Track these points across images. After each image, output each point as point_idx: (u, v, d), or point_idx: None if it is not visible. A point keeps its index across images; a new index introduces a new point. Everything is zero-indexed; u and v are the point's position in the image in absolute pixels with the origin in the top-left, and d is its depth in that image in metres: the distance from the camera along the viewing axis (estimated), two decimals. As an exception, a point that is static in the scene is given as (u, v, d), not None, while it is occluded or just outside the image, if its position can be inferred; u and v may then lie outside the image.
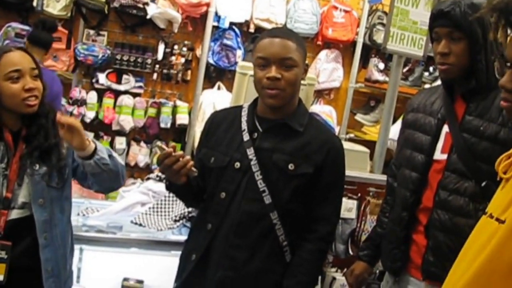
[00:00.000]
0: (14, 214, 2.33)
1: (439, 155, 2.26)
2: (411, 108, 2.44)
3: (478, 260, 1.34)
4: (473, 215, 2.15)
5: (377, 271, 2.76)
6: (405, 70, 5.81)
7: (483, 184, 2.15)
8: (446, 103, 2.28)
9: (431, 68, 5.98)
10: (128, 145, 5.61)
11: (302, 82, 2.34)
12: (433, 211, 2.23)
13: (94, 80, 5.45)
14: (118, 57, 5.42)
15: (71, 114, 5.20)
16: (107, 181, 2.41)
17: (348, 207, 3.26)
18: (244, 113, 2.33)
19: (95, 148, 2.31)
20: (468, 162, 2.18)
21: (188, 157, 2.14)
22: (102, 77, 5.43)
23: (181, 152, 2.14)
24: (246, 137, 2.27)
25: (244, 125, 2.29)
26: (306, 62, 2.30)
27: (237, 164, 2.25)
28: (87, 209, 3.28)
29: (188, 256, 2.35)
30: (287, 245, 2.26)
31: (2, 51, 2.28)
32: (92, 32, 5.40)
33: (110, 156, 2.37)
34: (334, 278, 3.32)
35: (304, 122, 2.29)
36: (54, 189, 2.38)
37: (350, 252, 3.35)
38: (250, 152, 2.24)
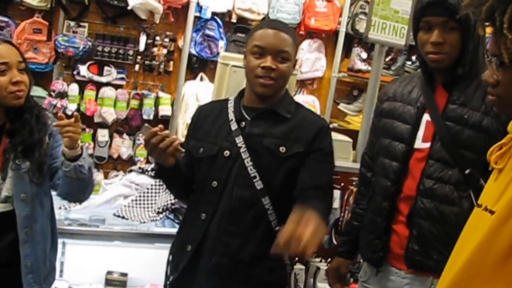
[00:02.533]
0: None
1: (420, 143, 2.27)
2: (386, 97, 2.44)
3: (468, 251, 1.34)
4: (458, 202, 2.19)
5: (361, 261, 2.76)
6: (387, 59, 5.82)
7: (467, 171, 2.17)
8: (426, 92, 2.29)
9: (413, 57, 5.98)
10: (111, 137, 5.57)
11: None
12: (416, 200, 2.24)
13: (75, 72, 5.39)
14: (100, 48, 5.36)
15: (54, 106, 5.15)
16: (75, 189, 2.42)
17: (332, 196, 3.26)
18: (231, 104, 2.36)
19: (80, 155, 2.32)
20: (452, 150, 2.19)
21: (174, 136, 2.15)
22: (83, 69, 5.37)
23: (167, 131, 2.14)
24: (234, 126, 2.29)
25: (231, 115, 2.32)
26: (296, 57, 2.34)
27: (227, 153, 2.27)
28: (69, 203, 3.26)
29: (183, 248, 2.35)
30: (279, 230, 2.25)
31: None
32: (72, 23, 5.33)
33: (89, 168, 2.38)
34: (318, 268, 3.33)
35: (291, 109, 2.33)
36: (35, 184, 2.36)
37: (334, 241, 3.36)
38: (239, 140, 2.26)
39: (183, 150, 2.18)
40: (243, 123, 2.30)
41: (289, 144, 2.25)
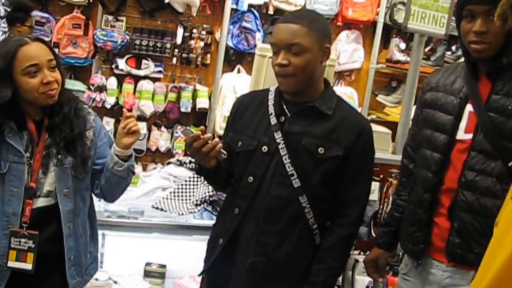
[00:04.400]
0: (40, 202, 2.35)
1: (463, 135, 2.22)
2: (429, 87, 2.39)
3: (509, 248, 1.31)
4: (500, 195, 2.10)
5: (401, 253, 2.73)
6: (426, 49, 5.71)
7: (510, 164, 2.11)
8: (469, 82, 2.24)
9: (453, 47, 5.88)
10: (149, 130, 5.61)
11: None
12: (458, 192, 2.19)
13: (113, 66, 5.46)
14: (137, 42, 5.41)
15: (93, 100, 5.22)
16: (120, 188, 2.48)
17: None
18: (271, 96, 2.30)
19: (131, 154, 2.38)
20: (495, 141, 2.14)
21: (216, 139, 2.13)
22: (121, 63, 5.43)
23: (209, 135, 2.13)
24: (273, 120, 2.24)
25: (271, 109, 2.27)
26: (327, 45, 2.22)
27: (265, 148, 2.23)
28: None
29: (215, 241, 2.35)
30: (316, 228, 2.25)
31: (18, 45, 2.24)
32: (110, 17, 5.39)
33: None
34: (356, 261, 3.30)
35: (333, 105, 2.26)
36: (78, 179, 2.39)
37: (373, 234, 3.33)
38: (278, 135, 2.21)
39: (225, 152, 2.18)
40: (283, 118, 2.25)
41: (328, 145, 2.20)
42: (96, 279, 3.31)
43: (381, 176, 3.35)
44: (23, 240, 2.31)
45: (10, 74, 2.23)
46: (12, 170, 2.29)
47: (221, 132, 5.43)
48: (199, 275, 2.44)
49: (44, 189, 2.35)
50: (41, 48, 2.29)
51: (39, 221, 2.34)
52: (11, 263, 2.32)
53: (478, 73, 2.23)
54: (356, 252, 3.37)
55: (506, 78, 2.16)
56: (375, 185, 3.26)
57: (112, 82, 5.40)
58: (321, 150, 2.19)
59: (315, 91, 2.25)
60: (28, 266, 2.33)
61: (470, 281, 2.17)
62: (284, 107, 2.27)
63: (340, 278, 3.34)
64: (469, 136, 2.20)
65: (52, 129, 2.34)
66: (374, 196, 3.27)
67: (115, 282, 3.38)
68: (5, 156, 2.28)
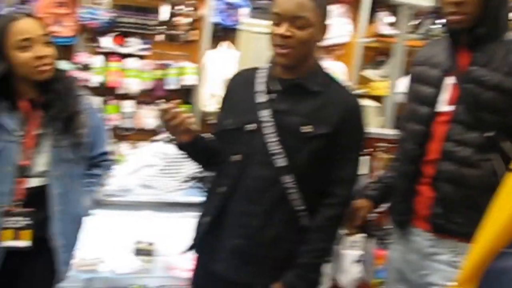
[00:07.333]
0: (34, 182, 2.34)
1: (444, 106, 2.24)
2: (416, 61, 2.42)
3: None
4: (479, 165, 2.16)
5: (389, 227, 2.74)
6: (414, 22, 5.69)
7: (488, 134, 2.14)
8: (450, 54, 2.25)
9: (440, 20, 5.85)
10: (136, 108, 5.57)
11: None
12: (439, 163, 2.22)
13: (99, 44, 5.39)
14: (122, 19, 5.34)
15: (78, 79, 5.17)
16: None
17: (359, 163, 3.24)
18: (259, 74, 2.27)
19: None
20: (473, 112, 2.16)
21: (188, 114, 2.10)
22: (107, 41, 5.36)
23: (179, 109, 2.10)
24: (260, 99, 2.21)
25: (258, 87, 2.24)
26: (327, 22, 2.19)
27: (250, 126, 2.20)
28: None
29: (202, 219, 2.34)
30: (302, 211, 2.21)
31: (9, 20, 2.25)
32: (95, -5, 5.32)
33: None
34: (344, 235, 3.30)
35: (321, 82, 2.22)
36: (72, 163, 2.38)
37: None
38: (264, 113, 2.18)
39: (197, 128, 2.15)
40: (270, 95, 2.22)
41: (315, 123, 2.16)
42: (84, 258, 3.31)
43: (370, 150, 3.34)
44: (18, 218, 2.30)
45: (2, 49, 2.23)
46: (4, 149, 2.28)
47: (207, 109, 5.41)
48: (184, 252, 2.43)
49: (37, 169, 2.33)
50: (33, 23, 2.28)
51: (32, 201, 2.32)
52: (6, 243, 2.31)
53: (458, 45, 2.23)
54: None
55: (485, 48, 2.16)
56: (363, 159, 3.26)
57: (97, 61, 5.34)
58: (307, 128, 2.16)
59: (305, 68, 2.22)
60: (25, 243, 2.32)
61: (451, 249, 2.21)
62: (272, 84, 2.23)
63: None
64: (450, 107, 2.22)
65: (46, 107, 2.33)
66: (363, 170, 3.26)
67: (103, 261, 3.39)
68: None
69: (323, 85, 2.22)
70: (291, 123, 2.17)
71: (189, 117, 2.10)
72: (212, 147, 2.31)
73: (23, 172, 2.31)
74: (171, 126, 2.10)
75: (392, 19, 5.76)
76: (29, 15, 2.36)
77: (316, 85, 2.21)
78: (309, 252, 2.22)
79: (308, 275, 2.23)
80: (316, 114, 2.18)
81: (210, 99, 5.39)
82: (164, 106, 2.08)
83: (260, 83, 2.25)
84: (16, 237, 2.32)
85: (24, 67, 2.24)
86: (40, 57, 2.25)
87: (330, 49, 5.94)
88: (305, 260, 2.22)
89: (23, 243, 2.33)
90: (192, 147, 2.23)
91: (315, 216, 2.23)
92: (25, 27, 2.25)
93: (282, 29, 2.11)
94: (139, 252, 3.45)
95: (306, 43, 2.14)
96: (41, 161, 2.34)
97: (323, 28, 2.19)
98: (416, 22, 5.78)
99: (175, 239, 3.34)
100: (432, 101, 2.26)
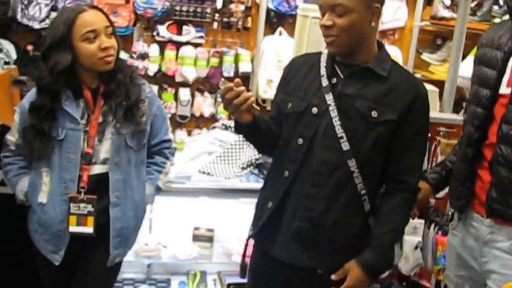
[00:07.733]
0: (97, 169, 2.40)
1: (505, 89, 2.18)
2: (480, 43, 2.36)
3: None
4: None
5: (450, 213, 2.70)
6: (473, 4, 5.53)
7: None
8: None
9: (501, 1, 5.69)
10: (192, 95, 5.63)
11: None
12: (496, 146, 2.17)
13: (155, 33, 5.46)
14: (177, 8, 5.39)
15: (136, 68, 5.22)
16: None
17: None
18: (323, 58, 2.25)
19: None
20: None
21: (249, 93, 2.09)
22: (162, 30, 5.42)
23: (242, 88, 2.08)
24: (325, 82, 2.19)
25: (323, 71, 2.21)
26: (376, 4, 2.13)
27: (315, 110, 2.18)
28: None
29: (264, 204, 2.32)
30: (365, 195, 2.18)
31: (76, 12, 2.31)
32: (150, -15, 5.38)
33: None
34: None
35: (387, 67, 2.18)
36: (133, 150, 2.43)
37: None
38: (329, 97, 2.16)
39: (258, 108, 2.13)
40: (335, 79, 2.19)
41: (382, 109, 2.12)
42: (146, 244, 3.37)
43: (429, 134, 3.29)
44: (82, 204, 2.37)
45: (70, 40, 2.29)
46: (68, 137, 2.35)
47: (264, 95, 5.41)
48: (247, 238, 2.43)
49: (100, 156, 2.39)
50: (98, 15, 2.34)
51: (96, 188, 2.39)
52: (72, 228, 2.38)
53: None
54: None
55: None
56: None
57: (154, 49, 5.41)
58: (374, 113, 2.12)
59: (368, 53, 2.18)
60: (89, 229, 2.40)
61: (511, 236, 2.16)
62: (337, 69, 2.21)
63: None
64: (510, 90, 2.16)
65: (108, 96, 2.39)
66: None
67: (164, 247, 3.44)
68: (62, 124, 2.36)
69: (389, 70, 2.19)
70: (358, 107, 2.14)
71: (249, 97, 2.10)
72: (270, 130, 2.31)
73: (87, 159, 2.37)
74: (233, 105, 2.09)
75: (450, 1, 5.65)
76: (93, 6, 2.41)
77: (383, 70, 2.17)
78: (388, 233, 2.19)
79: (387, 255, 2.22)
80: (383, 99, 2.14)
81: (266, 85, 5.40)
82: (227, 84, 2.08)
83: (325, 67, 2.23)
84: (80, 223, 2.39)
85: (89, 58, 2.30)
86: (104, 49, 2.30)
87: (385, 34, 5.87)
88: (385, 240, 2.19)
89: (87, 229, 2.39)
90: (252, 127, 2.22)
91: (388, 199, 2.22)
92: (91, 19, 2.31)
93: (323, 20, 2.11)
94: (198, 238, 3.49)
95: (350, 29, 2.10)
96: (103, 149, 2.40)
97: (371, 12, 2.12)
98: (476, 4, 5.66)
99: (234, 225, 3.37)
100: (494, 83, 2.20)
